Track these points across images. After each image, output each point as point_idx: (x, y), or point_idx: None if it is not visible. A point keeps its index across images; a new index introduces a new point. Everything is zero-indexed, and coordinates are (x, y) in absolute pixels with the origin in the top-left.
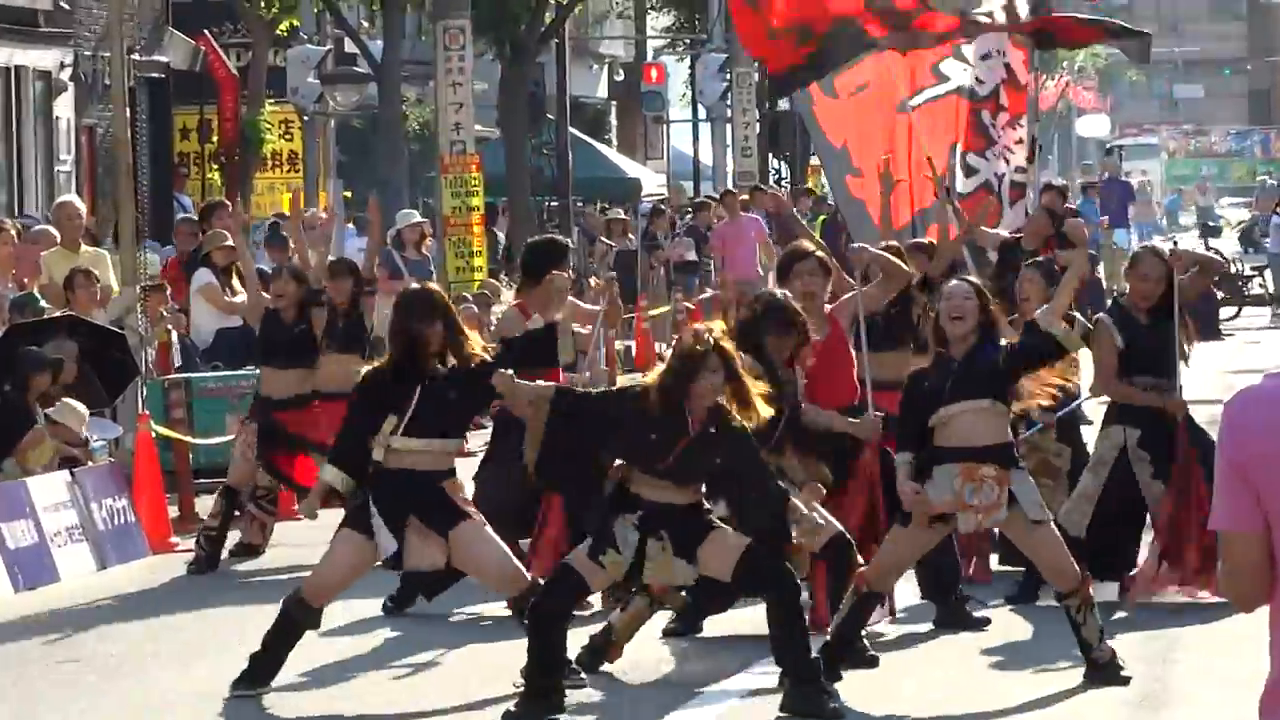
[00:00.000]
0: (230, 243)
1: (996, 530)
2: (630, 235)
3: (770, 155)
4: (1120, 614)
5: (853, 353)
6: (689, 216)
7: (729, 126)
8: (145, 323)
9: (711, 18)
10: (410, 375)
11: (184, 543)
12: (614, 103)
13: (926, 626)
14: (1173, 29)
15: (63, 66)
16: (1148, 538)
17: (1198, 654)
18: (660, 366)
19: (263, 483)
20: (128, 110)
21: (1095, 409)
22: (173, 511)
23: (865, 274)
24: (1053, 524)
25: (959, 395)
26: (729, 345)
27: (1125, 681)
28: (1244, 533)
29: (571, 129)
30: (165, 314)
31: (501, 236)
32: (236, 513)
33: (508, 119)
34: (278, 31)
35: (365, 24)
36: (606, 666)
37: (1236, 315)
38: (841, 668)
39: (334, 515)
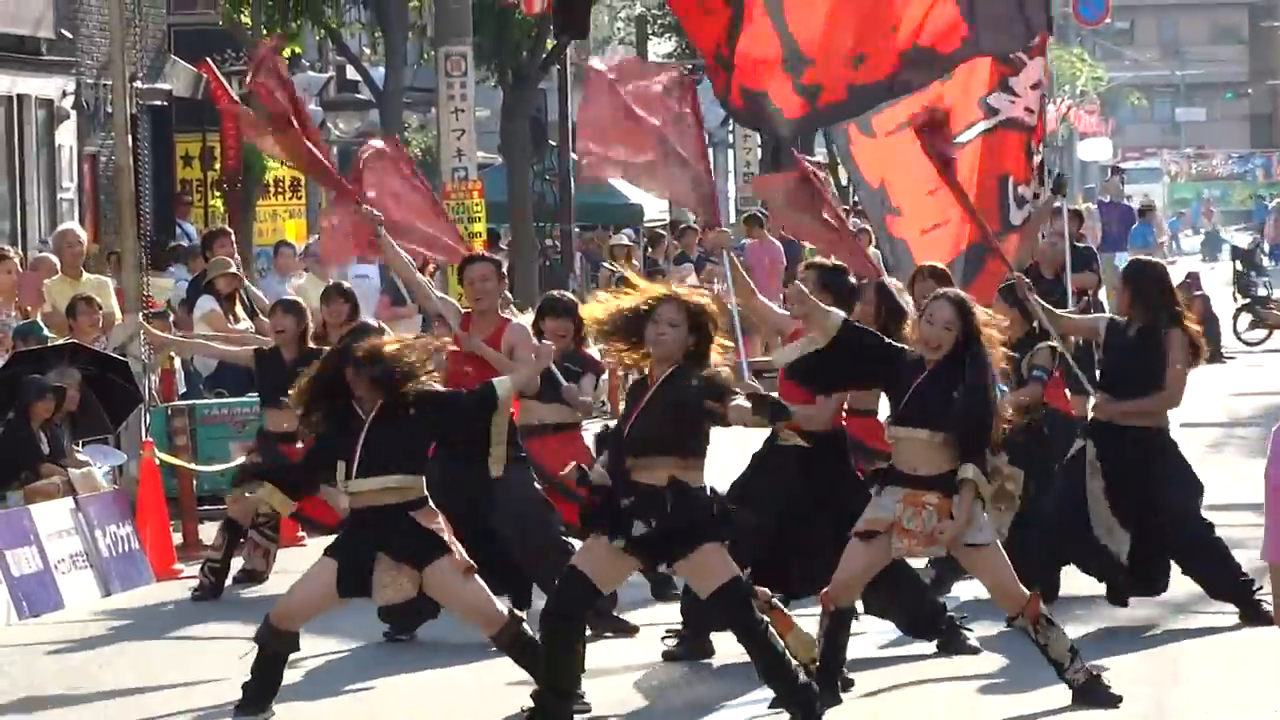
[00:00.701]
0: (233, 270)
1: None
2: (634, 260)
3: None
4: (1120, 634)
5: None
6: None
7: (730, 152)
8: (148, 350)
9: None
10: (349, 422)
11: (188, 569)
12: None
13: (920, 649)
14: (1175, 53)
15: (65, 95)
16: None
17: (1199, 677)
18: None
19: (264, 510)
20: (130, 138)
21: None
22: (176, 538)
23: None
24: (998, 547)
25: (909, 420)
26: (693, 299)
27: (1114, 701)
28: None
29: (574, 155)
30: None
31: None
32: (240, 541)
33: (510, 145)
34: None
35: (367, 50)
36: (608, 688)
37: (1268, 338)
38: (837, 691)
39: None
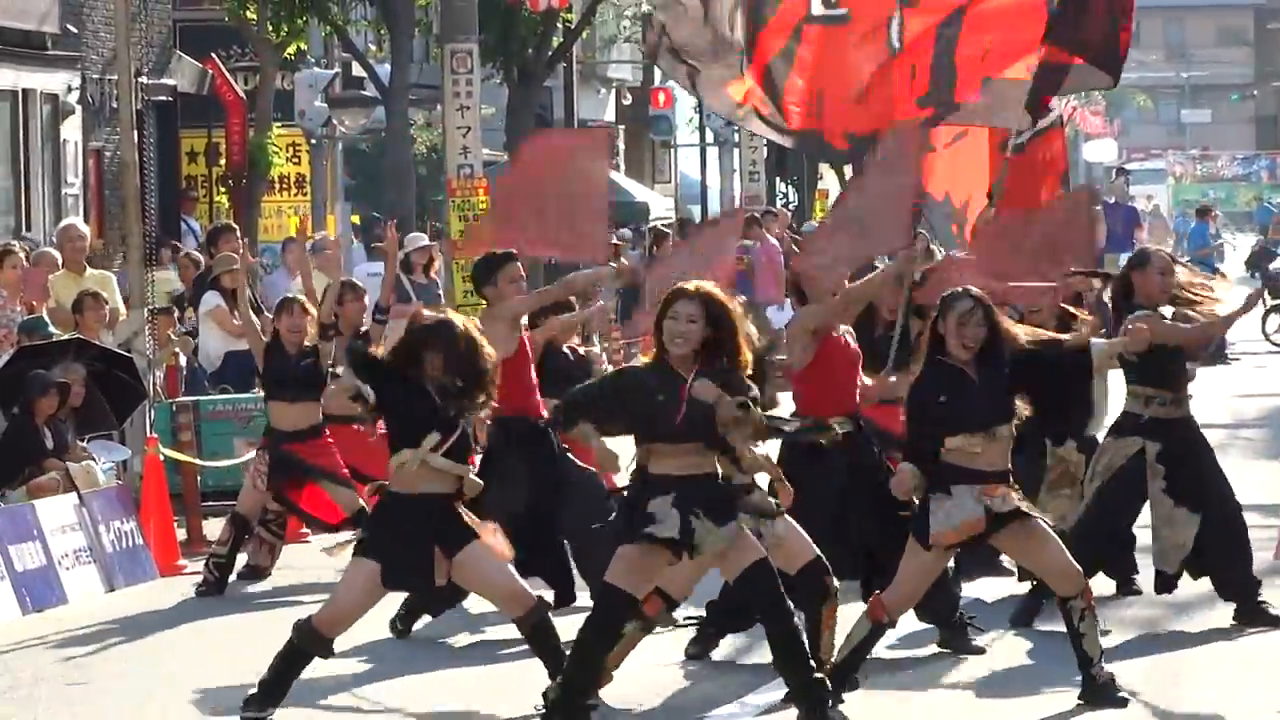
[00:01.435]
0: (238, 266)
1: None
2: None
3: (778, 179)
4: (1127, 637)
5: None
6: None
7: (736, 151)
8: (153, 345)
9: None
10: (459, 398)
11: (192, 565)
12: (621, 126)
13: (927, 651)
14: (1180, 54)
15: (70, 90)
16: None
17: (1206, 681)
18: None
19: (272, 506)
20: (135, 133)
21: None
22: (180, 534)
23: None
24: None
25: (975, 425)
26: (717, 294)
27: (1122, 704)
28: None
29: None
30: (173, 336)
31: None
32: (245, 537)
33: (515, 142)
34: (285, 55)
35: (373, 48)
36: (616, 684)
37: None
38: (842, 692)
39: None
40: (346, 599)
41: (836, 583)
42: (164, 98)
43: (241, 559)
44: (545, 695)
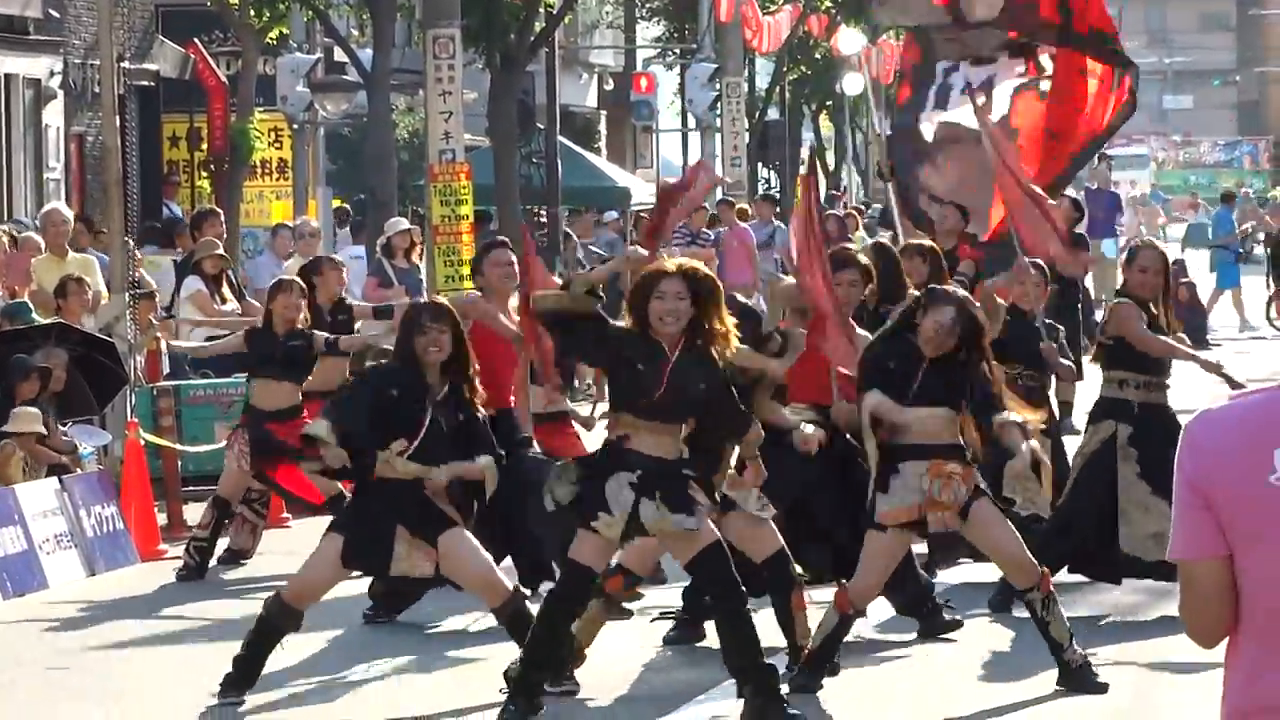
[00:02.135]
0: (220, 251)
1: None
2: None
3: (760, 165)
4: (1102, 621)
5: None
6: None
7: (718, 136)
8: (134, 330)
9: (701, 28)
10: (419, 396)
11: (173, 550)
12: (603, 112)
13: (906, 637)
14: (1162, 40)
15: (52, 74)
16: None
17: (1183, 667)
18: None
19: (255, 485)
20: (118, 118)
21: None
22: (161, 519)
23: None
24: (1008, 520)
25: (922, 400)
26: (699, 268)
27: (1101, 689)
28: (1207, 560)
29: (561, 138)
30: (154, 321)
31: None
32: (226, 521)
33: (497, 128)
34: (267, 40)
35: (355, 32)
36: (595, 670)
37: None
38: (821, 678)
39: (321, 522)
40: (314, 572)
41: (799, 570)
42: (146, 82)
43: (222, 543)
44: (506, 675)
